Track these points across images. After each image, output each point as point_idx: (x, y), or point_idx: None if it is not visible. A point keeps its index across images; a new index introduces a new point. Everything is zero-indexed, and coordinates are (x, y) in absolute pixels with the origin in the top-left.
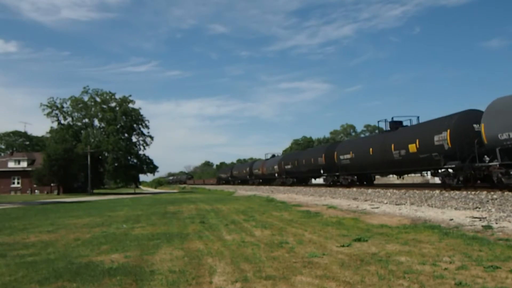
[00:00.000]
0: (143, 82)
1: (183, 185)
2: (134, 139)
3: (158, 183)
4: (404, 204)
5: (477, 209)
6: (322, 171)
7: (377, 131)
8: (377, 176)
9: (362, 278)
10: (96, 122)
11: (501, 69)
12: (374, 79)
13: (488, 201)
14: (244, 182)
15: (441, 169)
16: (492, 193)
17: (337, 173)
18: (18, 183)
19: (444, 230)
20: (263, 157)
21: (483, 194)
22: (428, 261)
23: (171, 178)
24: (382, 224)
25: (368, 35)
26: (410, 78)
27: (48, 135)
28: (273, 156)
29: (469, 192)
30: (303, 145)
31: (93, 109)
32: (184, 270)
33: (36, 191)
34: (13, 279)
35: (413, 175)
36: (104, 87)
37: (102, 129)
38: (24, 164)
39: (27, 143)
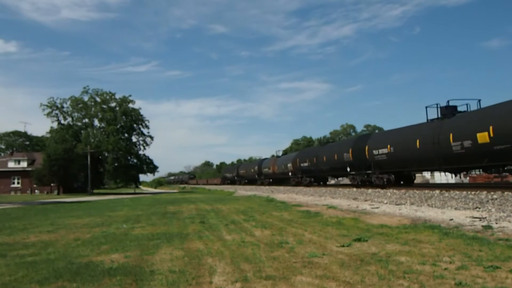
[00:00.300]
0: (143, 82)
1: (183, 185)
2: (134, 139)
3: (158, 183)
4: (404, 204)
5: (477, 209)
6: (348, 169)
7: (377, 131)
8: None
9: (362, 278)
10: (96, 122)
11: (501, 69)
12: (374, 79)
13: (488, 201)
14: (251, 182)
15: None
16: (492, 193)
17: (369, 171)
18: (18, 183)
19: (444, 230)
20: (263, 157)
21: (483, 194)
22: (428, 261)
23: (172, 178)
24: (382, 224)
25: (368, 35)
26: (410, 78)
27: (48, 135)
28: (285, 153)
29: (469, 192)
30: (303, 145)
31: (93, 109)
32: (184, 270)
33: (36, 191)
34: (13, 279)
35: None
36: (104, 87)
37: (102, 129)
38: (24, 164)
39: (27, 143)
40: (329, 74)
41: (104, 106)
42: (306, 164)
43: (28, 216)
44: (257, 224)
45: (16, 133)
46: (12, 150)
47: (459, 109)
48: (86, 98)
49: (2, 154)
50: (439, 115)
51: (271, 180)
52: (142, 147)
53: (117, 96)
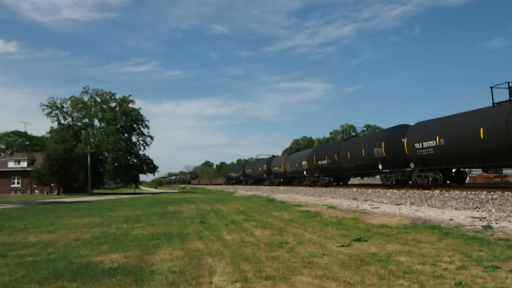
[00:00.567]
0: (143, 82)
1: (183, 185)
2: (134, 139)
3: (158, 183)
4: (404, 204)
5: (477, 209)
6: (380, 167)
7: (377, 131)
8: None
9: (362, 278)
10: (96, 122)
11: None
12: (374, 79)
13: (488, 201)
14: (259, 182)
15: None
16: (492, 193)
17: (408, 168)
18: (18, 183)
19: (444, 230)
20: (263, 157)
21: (483, 194)
22: (428, 261)
23: (173, 177)
24: (382, 224)
25: (368, 35)
26: (410, 78)
27: (48, 135)
28: (298, 150)
29: (469, 192)
30: (303, 145)
31: (93, 109)
32: (184, 270)
33: (36, 191)
34: (13, 279)
35: None
36: (104, 87)
37: (102, 129)
38: (24, 164)
39: (27, 143)
40: (329, 74)
41: (104, 106)
42: (324, 162)
43: (28, 216)
44: (257, 224)
45: (16, 133)
46: (12, 150)
47: None
48: (86, 98)
49: (2, 154)
50: (505, 98)
51: (281, 179)
52: (142, 147)
53: (117, 96)
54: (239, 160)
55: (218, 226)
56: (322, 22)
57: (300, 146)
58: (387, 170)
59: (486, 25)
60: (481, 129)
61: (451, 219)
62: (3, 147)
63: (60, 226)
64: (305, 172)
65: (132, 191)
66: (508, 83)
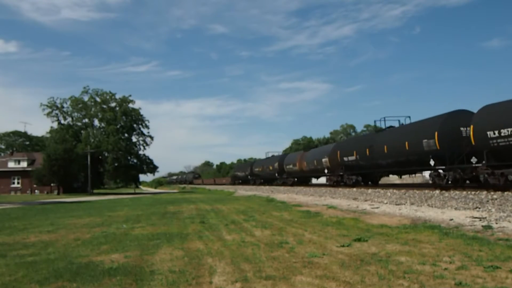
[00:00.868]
0: (143, 82)
1: (183, 185)
2: (134, 139)
3: (158, 183)
4: (404, 204)
5: (477, 209)
6: (433, 162)
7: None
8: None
9: (362, 278)
10: (96, 122)
11: (501, 69)
12: (374, 79)
13: (488, 201)
14: (269, 181)
15: None
16: (492, 193)
17: (475, 164)
18: (18, 183)
19: (444, 230)
20: (263, 157)
21: (483, 194)
22: (428, 261)
23: (174, 177)
24: (382, 224)
25: (368, 35)
26: (410, 78)
27: (48, 135)
28: (316, 146)
29: (469, 192)
30: (303, 145)
31: (93, 109)
32: (184, 270)
33: (36, 191)
34: (13, 279)
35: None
36: (104, 87)
37: (102, 129)
38: (24, 164)
39: (27, 143)
40: (329, 74)
41: (104, 106)
42: (352, 158)
43: (28, 216)
44: (257, 224)
45: (16, 133)
46: (12, 150)
47: None
48: (86, 98)
49: (2, 154)
50: None
51: (295, 179)
52: (142, 147)
53: (117, 96)
54: (239, 160)
55: (218, 226)
56: (322, 22)
57: (300, 146)
58: (443, 167)
59: (486, 25)
60: None
61: (451, 219)
62: (3, 147)
63: (60, 226)
64: (326, 171)
65: (132, 191)
66: None
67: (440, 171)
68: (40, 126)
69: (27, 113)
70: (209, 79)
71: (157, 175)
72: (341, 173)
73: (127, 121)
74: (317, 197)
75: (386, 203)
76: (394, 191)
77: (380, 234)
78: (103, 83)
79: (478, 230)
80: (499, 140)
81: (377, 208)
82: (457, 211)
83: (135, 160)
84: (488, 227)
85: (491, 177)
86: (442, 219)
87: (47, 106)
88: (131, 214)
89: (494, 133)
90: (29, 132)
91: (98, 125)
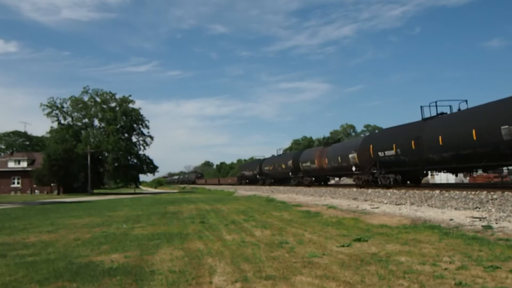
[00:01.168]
0: (143, 82)
1: (183, 185)
2: (134, 139)
3: (158, 183)
4: (404, 204)
5: (477, 209)
6: None
7: (377, 131)
8: None
9: (362, 278)
10: (96, 122)
11: (501, 69)
12: (374, 79)
13: (488, 201)
14: (280, 181)
15: None
16: (492, 193)
17: None
18: (18, 183)
19: (444, 230)
20: (263, 157)
21: (483, 194)
22: (428, 261)
23: (176, 177)
24: (382, 224)
25: (368, 35)
26: (410, 78)
27: (48, 135)
28: (338, 140)
29: (469, 192)
30: (303, 145)
31: (93, 109)
32: (184, 270)
33: (36, 191)
34: (13, 279)
35: None
36: (104, 87)
37: (102, 129)
38: (24, 164)
39: (27, 143)
40: (329, 74)
41: (104, 106)
42: (390, 153)
43: (28, 216)
44: (257, 224)
45: (16, 133)
46: (12, 150)
47: None
48: (86, 98)
49: (2, 154)
50: None
51: (313, 178)
52: (142, 147)
53: (117, 96)
54: (239, 160)
55: (218, 226)
56: (322, 22)
57: (300, 146)
58: None
59: (486, 25)
60: None
61: (451, 219)
62: (3, 147)
63: (60, 226)
64: (353, 168)
65: (132, 191)
66: None
67: None
68: (40, 126)
69: (27, 113)
70: (209, 79)
71: (157, 175)
72: (374, 171)
73: (127, 121)
74: (317, 197)
75: (386, 203)
76: (394, 191)
77: (380, 234)
78: (103, 83)
79: (478, 230)
80: None
81: (377, 208)
82: (457, 211)
83: (135, 160)
84: (488, 227)
85: None
86: (442, 219)
87: (47, 106)
88: (131, 214)
89: None
90: (29, 132)
91: (98, 125)
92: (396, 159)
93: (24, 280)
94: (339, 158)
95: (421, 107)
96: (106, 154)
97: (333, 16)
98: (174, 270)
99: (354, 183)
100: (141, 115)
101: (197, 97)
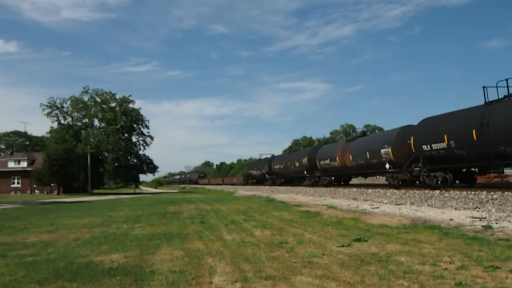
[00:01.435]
0: (143, 82)
1: (183, 185)
2: (134, 139)
3: (158, 183)
4: (404, 204)
5: (477, 209)
6: None
7: (377, 131)
8: None
9: (362, 278)
10: (96, 122)
11: (501, 69)
12: (374, 79)
13: (488, 201)
14: (292, 181)
15: None
16: (492, 193)
17: None
18: (18, 183)
19: (444, 230)
20: (263, 157)
21: (483, 194)
22: (428, 261)
23: (177, 177)
24: (382, 224)
25: (368, 35)
26: (410, 78)
27: (48, 135)
28: (364, 134)
29: (469, 192)
30: (303, 145)
31: (93, 109)
32: (184, 270)
33: (36, 191)
34: (13, 279)
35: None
36: (104, 87)
37: (102, 129)
38: (24, 164)
39: (27, 143)
40: (329, 74)
41: (104, 106)
42: (440, 146)
43: (28, 216)
44: (257, 224)
45: (16, 133)
46: (12, 150)
47: None
48: (86, 98)
49: (2, 154)
50: None
51: (333, 178)
52: (142, 147)
53: (117, 96)
54: (239, 160)
55: (218, 226)
56: (322, 22)
57: (300, 146)
58: None
59: (486, 25)
60: None
61: (451, 219)
62: (3, 147)
63: (60, 226)
64: (387, 166)
65: (132, 191)
66: None
67: None
68: (40, 126)
69: (27, 113)
70: (209, 79)
71: (157, 175)
72: (418, 168)
73: (127, 121)
74: (317, 197)
75: (386, 203)
76: (394, 191)
77: (380, 234)
78: (103, 83)
79: (478, 230)
80: None
81: (377, 208)
82: (457, 211)
83: (135, 160)
84: (488, 227)
85: None
86: (442, 219)
87: (47, 106)
88: (131, 214)
89: None
90: (29, 132)
91: (98, 125)
92: (449, 154)
93: (24, 280)
94: (368, 154)
95: (483, 87)
96: (106, 154)
97: (333, 16)
98: (174, 270)
99: (387, 182)
100: (141, 115)
101: (197, 97)
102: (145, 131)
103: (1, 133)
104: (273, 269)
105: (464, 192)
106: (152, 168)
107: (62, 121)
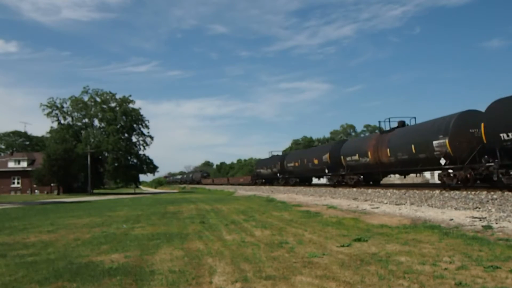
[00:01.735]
0: (143, 82)
1: (183, 185)
2: (134, 139)
3: (158, 183)
4: (404, 204)
5: (477, 209)
6: None
7: (377, 131)
8: None
9: (362, 278)
10: (96, 122)
11: (501, 69)
12: (374, 79)
13: (488, 201)
14: (308, 180)
15: None
16: (492, 193)
17: None
18: (18, 183)
19: (444, 230)
20: (264, 157)
21: (483, 194)
22: (428, 261)
23: (179, 176)
24: (382, 224)
25: (368, 35)
26: (410, 78)
27: (48, 135)
28: (404, 124)
29: (469, 192)
30: (303, 145)
31: (93, 109)
32: (184, 270)
33: (36, 191)
34: (13, 279)
35: (412, 175)
36: (104, 87)
37: (102, 129)
38: (24, 164)
39: (27, 143)
40: (329, 74)
41: (104, 106)
42: None
43: (28, 216)
44: (257, 224)
45: (16, 133)
46: (12, 150)
47: None
48: (86, 98)
49: (2, 154)
50: None
51: (361, 177)
52: (142, 147)
53: (117, 96)
54: (239, 161)
55: (218, 226)
56: (322, 22)
57: (300, 146)
58: None
59: (486, 25)
60: None
61: (451, 219)
62: (3, 147)
63: (60, 226)
64: (442, 161)
65: (132, 191)
66: None
67: None
68: (40, 126)
69: (27, 113)
70: (209, 79)
71: (157, 175)
72: (491, 163)
73: (127, 121)
74: (317, 197)
75: (386, 203)
76: (394, 191)
77: (380, 234)
78: (103, 83)
79: (478, 230)
80: None
81: (377, 208)
82: (457, 211)
83: (135, 160)
84: (488, 227)
85: None
86: (442, 219)
87: (47, 106)
88: (131, 214)
89: None
90: (29, 132)
91: (98, 125)
92: None
93: (24, 280)
94: (413, 147)
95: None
96: (106, 154)
97: (333, 16)
98: (174, 270)
99: (440, 181)
100: (141, 115)
101: (197, 97)
102: (145, 131)
103: (1, 133)
104: (273, 269)
105: (464, 192)
106: (152, 168)
107: (62, 121)
